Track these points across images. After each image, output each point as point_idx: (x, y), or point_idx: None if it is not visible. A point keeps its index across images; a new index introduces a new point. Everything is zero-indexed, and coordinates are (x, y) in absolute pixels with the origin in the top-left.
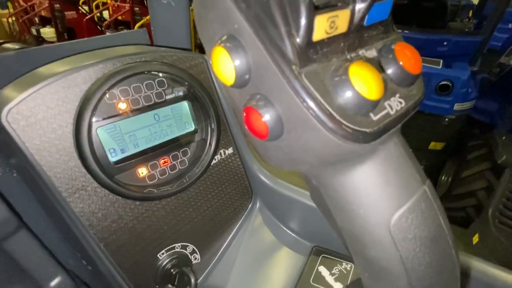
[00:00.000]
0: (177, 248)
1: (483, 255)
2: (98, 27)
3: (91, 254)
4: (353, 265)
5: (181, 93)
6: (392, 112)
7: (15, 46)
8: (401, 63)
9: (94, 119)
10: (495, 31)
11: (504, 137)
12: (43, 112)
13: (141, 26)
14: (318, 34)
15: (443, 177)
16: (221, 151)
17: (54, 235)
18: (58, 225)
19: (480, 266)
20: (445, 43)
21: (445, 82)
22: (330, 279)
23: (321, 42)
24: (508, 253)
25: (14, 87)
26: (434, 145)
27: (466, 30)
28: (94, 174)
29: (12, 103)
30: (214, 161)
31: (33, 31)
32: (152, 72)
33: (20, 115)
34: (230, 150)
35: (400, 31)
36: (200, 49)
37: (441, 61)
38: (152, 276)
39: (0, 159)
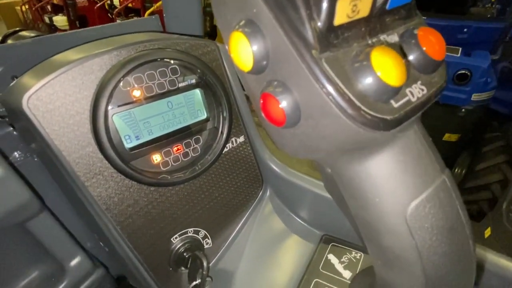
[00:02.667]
0: (189, 232)
1: (495, 248)
2: (109, 14)
3: (108, 237)
4: (362, 254)
5: (193, 81)
6: (413, 99)
7: (31, 34)
8: (424, 48)
9: (110, 106)
10: None
11: None
12: (61, 98)
13: (151, 13)
14: (340, 18)
15: (456, 170)
16: (233, 139)
17: (73, 218)
18: (77, 208)
19: (494, 259)
20: (465, 29)
21: (463, 71)
22: (339, 267)
23: (342, 26)
24: None
25: (32, 74)
26: (449, 137)
27: (488, 16)
28: (110, 160)
29: (31, 90)
30: (225, 149)
31: (46, 19)
32: (165, 60)
33: (40, 101)
34: (241, 139)
35: None
36: (210, 37)
37: (460, 49)
38: (165, 258)
39: (22, 144)
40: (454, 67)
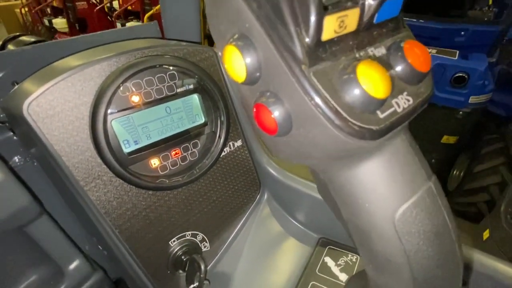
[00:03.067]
0: (187, 236)
1: (493, 250)
2: (108, 17)
3: (106, 240)
4: (358, 257)
5: (191, 86)
6: (399, 110)
7: (31, 39)
8: (409, 61)
9: (109, 112)
10: None
11: None
12: (61, 104)
13: (150, 16)
14: (327, 34)
15: (455, 172)
16: (230, 143)
17: (72, 221)
18: (76, 212)
19: (486, 261)
20: (462, 32)
21: (460, 74)
22: (335, 270)
23: (330, 41)
24: None
25: (33, 80)
26: (447, 139)
27: (485, 19)
28: (109, 165)
29: (32, 96)
30: (223, 153)
31: (46, 21)
32: (164, 66)
33: (40, 107)
34: (239, 143)
35: (415, 20)
36: (209, 39)
37: (458, 52)
38: (164, 262)
39: (22, 149)
40: (451, 70)
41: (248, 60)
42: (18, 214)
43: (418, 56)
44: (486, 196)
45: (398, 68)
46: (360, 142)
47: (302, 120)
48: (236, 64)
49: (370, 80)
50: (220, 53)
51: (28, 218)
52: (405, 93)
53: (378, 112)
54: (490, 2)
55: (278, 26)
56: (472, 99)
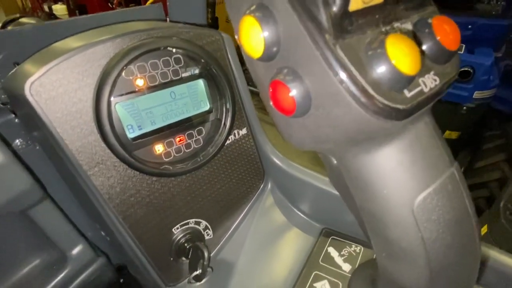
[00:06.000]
0: (191, 223)
1: (491, 246)
2: (109, 4)
3: (110, 226)
4: (362, 248)
5: (197, 71)
6: (426, 90)
7: (31, 20)
8: (438, 38)
9: (113, 95)
10: None
11: None
12: (64, 85)
13: (153, 3)
14: (355, 4)
15: None
16: (235, 131)
17: (75, 207)
18: (79, 197)
19: (495, 255)
20: (469, 26)
21: (466, 68)
22: (339, 260)
23: (357, 12)
24: None
25: (34, 61)
26: (449, 134)
27: (493, 13)
28: (113, 149)
29: (34, 77)
30: (228, 141)
31: (45, 7)
32: (169, 49)
33: (42, 88)
34: (244, 131)
35: None
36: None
37: (463, 46)
38: (167, 249)
39: (23, 132)
40: None
41: (267, 32)
42: (20, 197)
43: (447, 33)
44: (486, 192)
45: (426, 46)
46: (385, 122)
47: (323, 98)
48: (253, 37)
49: (400, 55)
50: (236, 30)
51: (30, 202)
52: (432, 72)
53: (406, 91)
54: None
55: None
56: (477, 94)
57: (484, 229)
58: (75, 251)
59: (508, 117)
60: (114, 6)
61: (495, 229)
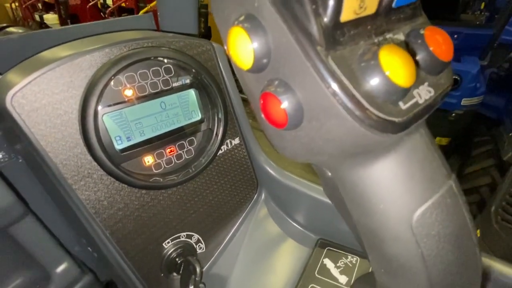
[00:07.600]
0: (182, 237)
1: (484, 251)
2: (102, 14)
3: (97, 241)
4: (359, 259)
5: (188, 81)
6: (421, 101)
7: (19, 30)
8: (431, 48)
9: (100, 106)
10: (507, 24)
11: (510, 134)
12: (48, 97)
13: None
14: (347, 15)
15: None
16: (228, 141)
17: (60, 222)
18: (64, 212)
19: (496, 265)
20: (455, 35)
21: (453, 76)
22: (335, 272)
23: (349, 23)
24: (509, 249)
25: (18, 71)
26: (439, 140)
27: (478, 23)
28: (100, 162)
29: (16, 88)
30: (220, 152)
31: (36, 17)
32: (159, 58)
33: (25, 99)
34: (236, 141)
35: None
36: (204, 38)
37: None
38: (157, 264)
39: (6, 144)
40: None
41: (256, 43)
42: (1, 214)
43: (440, 44)
44: (477, 197)
45: (419, 57)
46: (380, 135)
47: (316, 111)
48: (242, 48)
49: (395, 66)
50: (224, 41)
51: (12, 219)
52: (426, 83)
53: (401, 103)
54: (482, 6)
55: (292, 4)
56: (465, 101)
57: (476, 234)
58: (60, 269)
59: (496, 123)
60: (106, 16)
61: (487, 233)
